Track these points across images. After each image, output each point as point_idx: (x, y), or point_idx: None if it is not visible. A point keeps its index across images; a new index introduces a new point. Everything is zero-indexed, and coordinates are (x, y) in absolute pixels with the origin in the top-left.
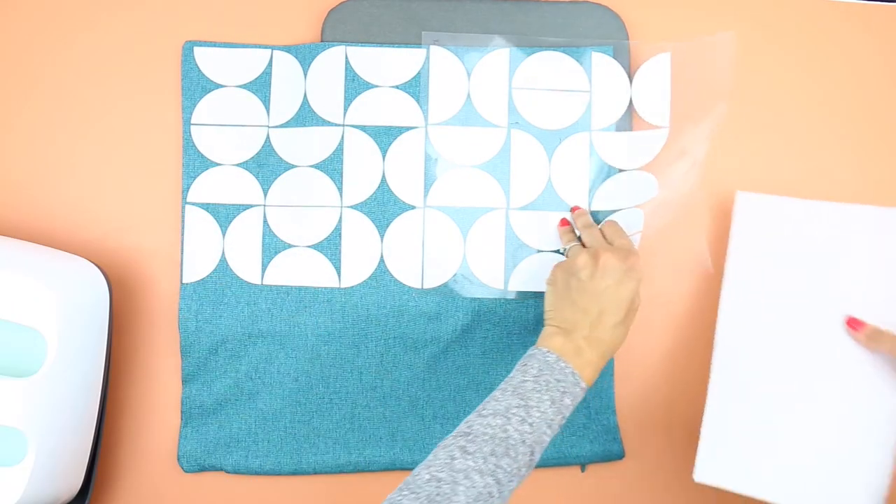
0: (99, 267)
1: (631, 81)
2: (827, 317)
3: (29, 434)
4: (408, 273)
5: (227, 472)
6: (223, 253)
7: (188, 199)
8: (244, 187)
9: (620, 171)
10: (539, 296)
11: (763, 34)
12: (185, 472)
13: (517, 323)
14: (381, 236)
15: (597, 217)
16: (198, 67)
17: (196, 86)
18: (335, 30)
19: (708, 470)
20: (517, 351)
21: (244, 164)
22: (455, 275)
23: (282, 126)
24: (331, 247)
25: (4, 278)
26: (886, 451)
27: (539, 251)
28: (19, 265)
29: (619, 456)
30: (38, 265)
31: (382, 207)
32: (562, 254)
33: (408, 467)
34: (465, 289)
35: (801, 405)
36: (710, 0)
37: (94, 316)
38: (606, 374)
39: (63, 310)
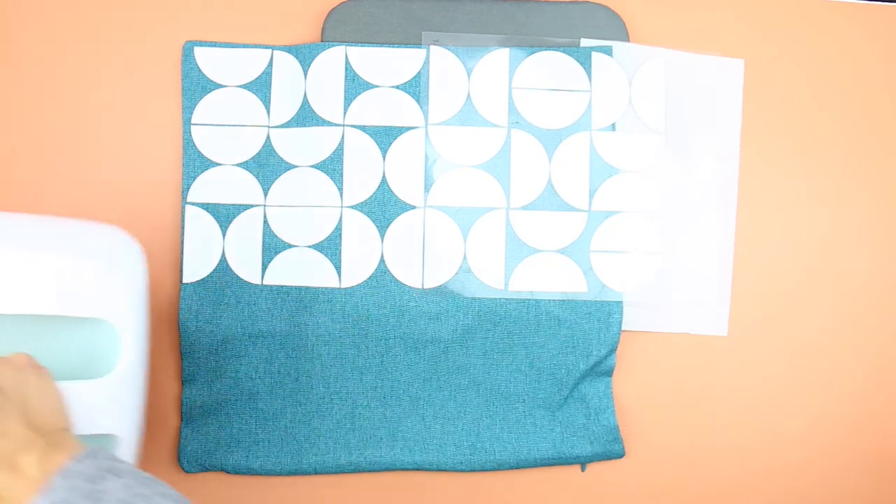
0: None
1: (630, 83)
2: None
3: (122, 437)
4: (408, 273)
5: (228, 472)
6: (223, 253)
7: (188, 199)
8: (244, 187)
9: (620, 172)
10: (543, 295)
11: (762, 34)
12: (186, 472)
13: (517, 323)
14: (382, 236)
15: (598, 218)
16: (198, 67)
17: (196, 86)
18: (335, 30)
19: None
20: (517, 351)
21: (244, 164)
22: (456, 274)
23: (282, 126)
24: (331, 247)
25: (53, 263)
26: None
27: (539, 251)
28: (67, 244)
29: (620, 455)
30: (86, 243)
31: (383, 207)
32: None
33: (408, 468)
34: (466, 287)
35: None
36: (710, 0)
37: (145, 292)
38: (605, 373)
39: (128, 289)
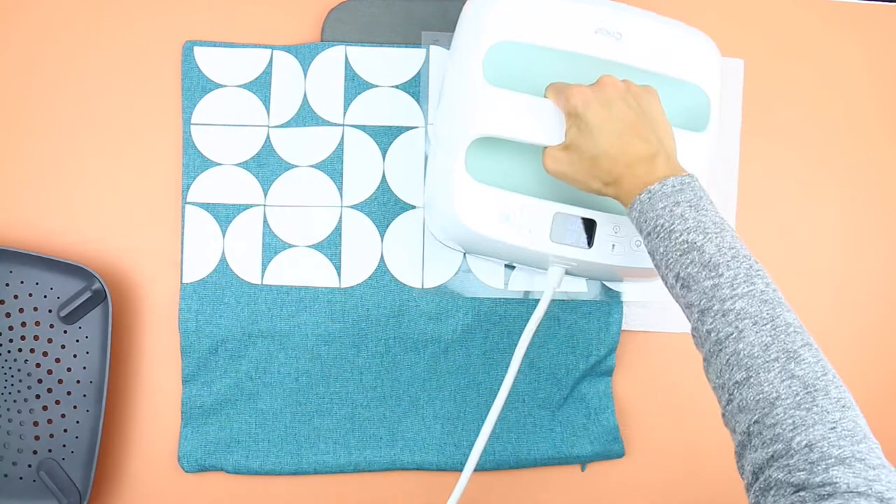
0: (86, 270)
1: None
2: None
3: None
4: (408, 273)
5: (228, 472)
6: (223, 253)
7: (188, 199)
8: (244, 187)
9: None
10: (539, 295)
11: (762, 34)
12: (186, 472)
13: (517, 323)
14: (382, 236)
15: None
16: (198, 67)
17: (196, 85)
18: (335, 30)
19: None
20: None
21: (244, 164)
22: (455, 273)
23: (282, 126)
24: (331, 246)
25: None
26: None
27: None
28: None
29: (620, 455)
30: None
31: (382, 207)
32: None
33: (408, 468)
34: (466, 287)
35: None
36: (709, 0)
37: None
38: (605, 373)
39: (717, 69)
